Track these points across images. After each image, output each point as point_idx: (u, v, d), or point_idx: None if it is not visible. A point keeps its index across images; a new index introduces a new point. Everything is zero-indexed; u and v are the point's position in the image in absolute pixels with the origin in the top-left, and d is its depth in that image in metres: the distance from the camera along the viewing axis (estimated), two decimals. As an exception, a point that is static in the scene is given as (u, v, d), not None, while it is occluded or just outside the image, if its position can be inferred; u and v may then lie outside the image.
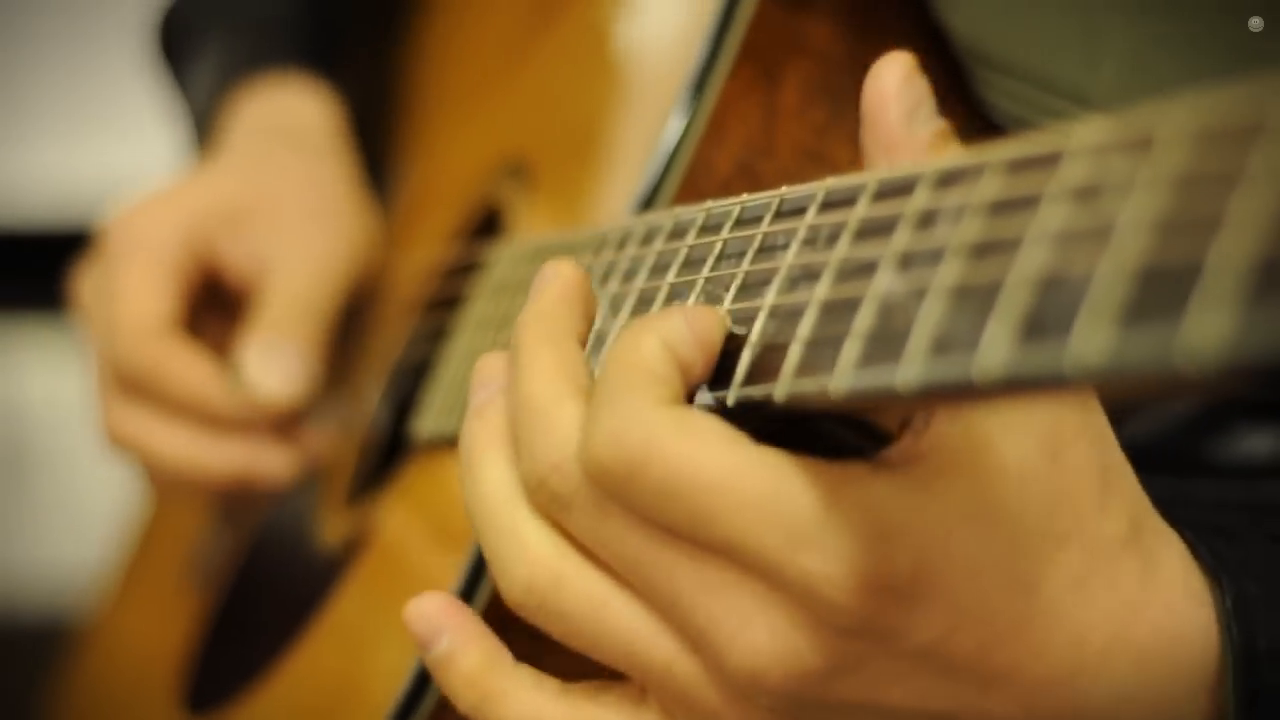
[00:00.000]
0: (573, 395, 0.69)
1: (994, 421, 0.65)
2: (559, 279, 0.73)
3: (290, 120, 1.28)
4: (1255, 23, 0.83)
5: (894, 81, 0.70)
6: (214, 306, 1.20)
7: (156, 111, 1.62)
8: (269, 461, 1.15)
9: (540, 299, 0.72)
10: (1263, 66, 0.83)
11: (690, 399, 0.69)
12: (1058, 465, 0.66)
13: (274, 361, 1.14)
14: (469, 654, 0.72)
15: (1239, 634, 0.68)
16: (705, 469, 0.64)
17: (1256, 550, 0.71)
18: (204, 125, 1.33)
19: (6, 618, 2.65)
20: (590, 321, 0.73)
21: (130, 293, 1.15)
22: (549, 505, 0.69)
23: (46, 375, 2.70)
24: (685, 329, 0.68)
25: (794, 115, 0.88)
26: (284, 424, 1.16)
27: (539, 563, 0.69)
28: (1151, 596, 0.67)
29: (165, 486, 1.22)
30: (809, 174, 0.87)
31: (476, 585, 0.81)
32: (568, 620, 0.69)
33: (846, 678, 0.66)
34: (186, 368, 1.14)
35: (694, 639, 0.67)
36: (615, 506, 0.67)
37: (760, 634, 0.65)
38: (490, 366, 0.74)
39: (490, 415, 0.72)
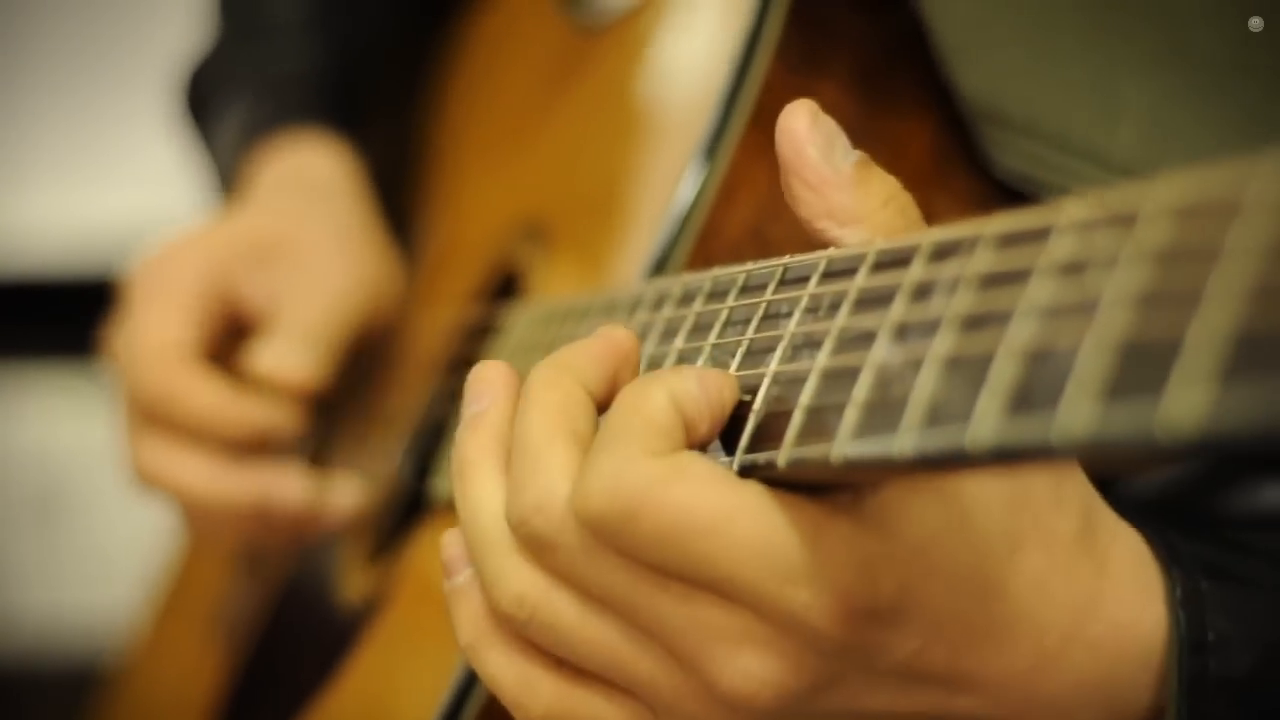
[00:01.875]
0: (565, 438, 0.70)
1: None
2: (600, 336, 0.74)
3: (311, 176, 1.30)
4: (1255, 23, 0.84)
5: (804, 124, 0.74)
6: (237, 345, 1.22)
7: (179, 160, 1.64)
8: (286, 488, 1.17)
9: (571, 348, 0.74)
10: (1277, 121, 0.85)
11: None
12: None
13: (288, 352, 1.17)
14: (480, 595, 0.74)
15: (1185, 624, 0.72)
16: (700, 514, 0.67)
17: (1224, 554, 0.75)
18: (228, 181, 1.35)
19: (36, 661, 2.66)
20: (611, 386, 0.74)
21: (149, 324, 1.18)
22: (531, 545, 0.70)
23: (75, 422, 2.72)
24: (696, 387, 0.70)
25: None
26: (315, 465, 1.18)
27: (530, 576, 0.71)
28: (1105, 590, 0.72)
29: (197, 523, 1.23)
30: (817, 237, 0.89)
31: None
32: (555, 632, 0.71)
33: (829, 693, 0.70)
34: (200, 389, 1.16)
35: (682, 661, 0.70)
36: (604, 550, 0.69)
37: (750, 662, 0.68)
38: (486, 376, 0.76)
39: (483, 429, 0.74)
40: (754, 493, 0.67)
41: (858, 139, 0.92)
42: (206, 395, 1.16)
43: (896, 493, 0.68)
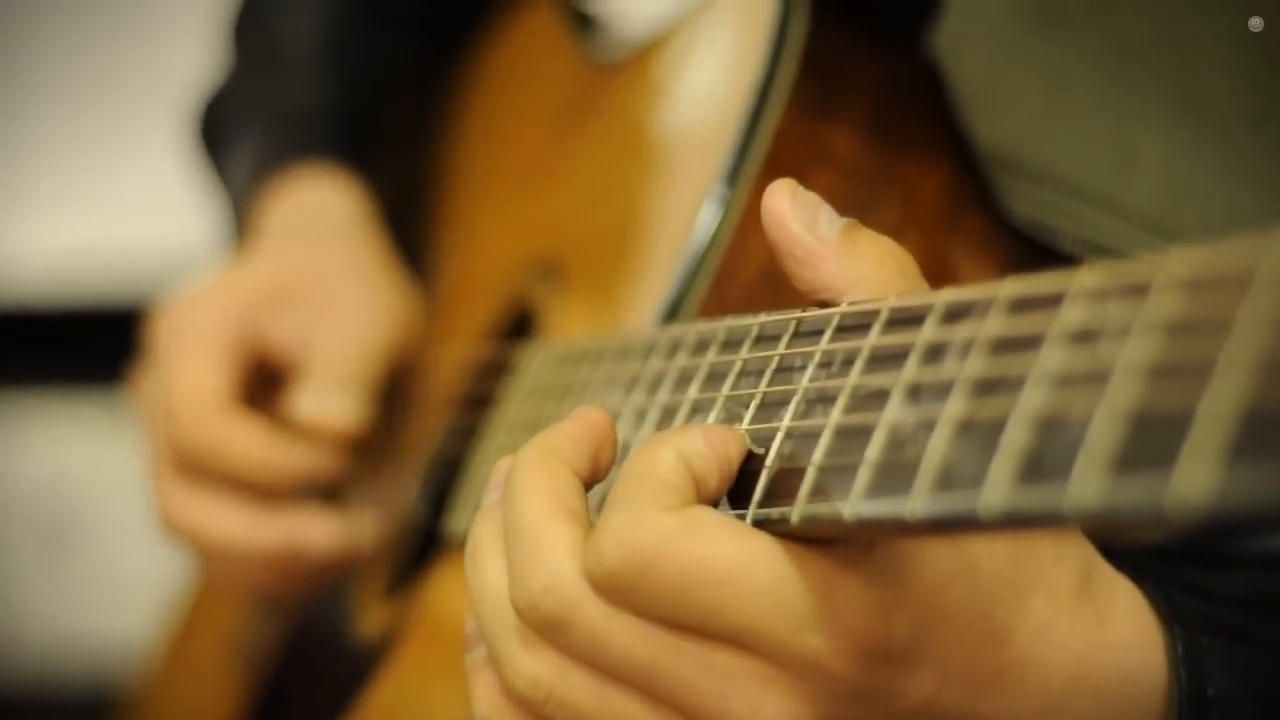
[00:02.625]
0: (562, 517, 0.71)
1: None
2: (577, 418, 0.75)
3: (323, 214, 1.31)
4: (1255, 22, 0.85)
5: (784, 203, 0.74)
6: (263, 390, 1.22)
7: (189, 187, 1.65)
8: (319, 532, 1.18)
9: (553, 431, 0.75)
10: None
11: None
12: None
13: (329, 397, 1.17)
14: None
15: (1187, 680, 0.74)
16: (713, 564, 0.68)
17: (1224, 612, 0.77)
18: (240, 215, 1.36)
19: (49, 688, 2.67)
20: (596, 466, 0.75)
21: (185, 374, 1.18)
22: (542, 628, 0.71)
23: (87, 449, 2.73)
24: (703, 444, 0.71)
25: None
26: (329, 500, 1.18)
27: (545, 658, 0.72)
28: (1107, 639, 0.73)
29: (218, 569, 1.24)
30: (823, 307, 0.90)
31: None
32: (574, 712, 0.72)
33: None
34: (247, 437, 1.17)
35: (702, 717, 0.70)
36: (619, 615, 0.69)
37: (770, 710, 0.69)
38: (506, 468, 0.77)
39: (498, 516, 0.75)
40: (765, 543, 0.68)
41: (871, 183, 0.92)
42: (250, 441, 1.17)
43: (908, 542, 0.69)
